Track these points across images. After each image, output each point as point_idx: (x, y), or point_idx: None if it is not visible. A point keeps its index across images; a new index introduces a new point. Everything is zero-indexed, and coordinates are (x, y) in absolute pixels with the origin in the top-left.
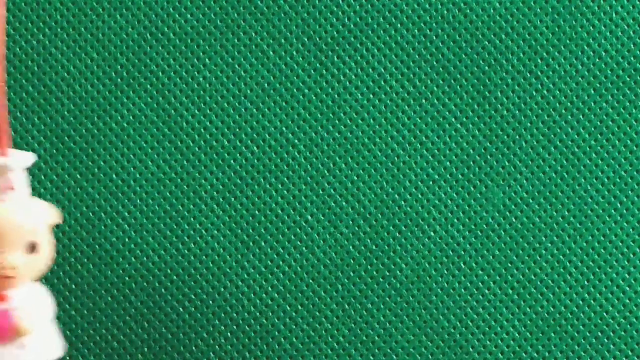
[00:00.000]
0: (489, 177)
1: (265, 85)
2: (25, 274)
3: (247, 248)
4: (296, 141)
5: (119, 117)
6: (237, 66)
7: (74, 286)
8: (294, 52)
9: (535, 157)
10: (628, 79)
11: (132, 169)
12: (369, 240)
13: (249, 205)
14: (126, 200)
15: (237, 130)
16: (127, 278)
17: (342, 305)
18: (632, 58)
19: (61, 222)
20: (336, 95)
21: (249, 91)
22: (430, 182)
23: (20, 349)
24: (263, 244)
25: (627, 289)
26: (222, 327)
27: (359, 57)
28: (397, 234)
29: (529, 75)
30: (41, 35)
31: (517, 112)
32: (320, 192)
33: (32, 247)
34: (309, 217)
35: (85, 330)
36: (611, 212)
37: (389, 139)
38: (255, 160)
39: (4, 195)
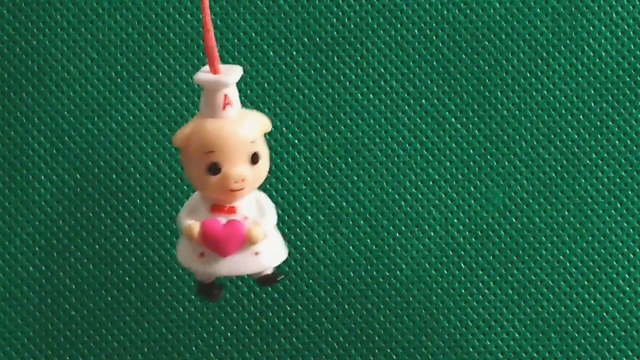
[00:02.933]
0: (489, 177)
1: (265, 85)
2: (251, 184)
3: None
4: (296, 141)
5: (119, 117)
6: None
7: (74, 286)
8: (294, 52)
9: (535, 157)
10: (628, 79)
11: (132, 169)
12: (369, 240)
13: None
14: (126, 200)
15: None
16: (127, 278)
17: (342, 305)
18: (632, 58)
19: (273, 129)
20: (336, 95)
21: (249, 91)
22: (430, 182)
23: (255, 255)
24: None
25: (627, 289)
26: (222, 327)
27: (359, 57)
28: (397, 234)
29: (529, 75)
30: (41, 35)
31: (517, 112)
32: (320, 192)
33: (254, 158)
34: (309, 217)
35: (85, 330)
36: (611, 212)
37: (389, 139)
38: None
39: (223, 112)
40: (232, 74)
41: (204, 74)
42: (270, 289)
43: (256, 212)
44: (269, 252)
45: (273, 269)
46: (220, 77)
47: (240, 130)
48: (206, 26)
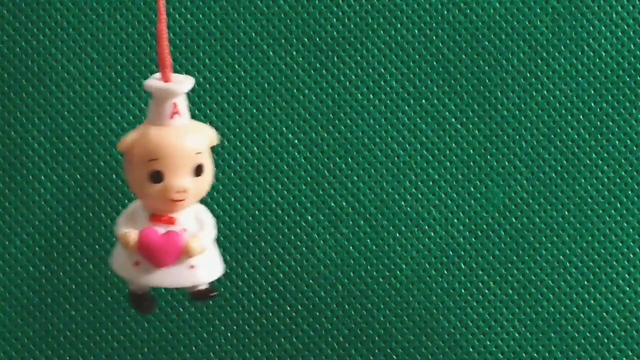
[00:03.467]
0: (489, 177)
1: (265, 85)
2: (192, 196)
3: (247, 248)
4: (296, 141)
5: (119, 117)
6: (237, 66)
7: (74, 286)
8: (294, 52)
9: (535, 157)
10: (628, 79)
11: None
12: (369, 240)
13: (249, 205)
14: (126, 201)
15: (237, 130)
16: None
17: (342, 305)
18: (632, 58)
19: (220, 143)
20: (336, 95)
21: (249, 91)
22: (430, 182)
23: (190, 269)
24: (263, 244)
25: (627, 289)
26: (222, 327)
27: (359, 57)
28: (397, 234)
29: (529, 75)
30: (41, 35)
31: (517, 112)
32: (320, 192)
33: (198, 170)
34: (309, 217)
35: (85, 330)
36: (611, 212)
37: (389, 139)
38: (255, 160)
39: (170, 121)
40: (183, 83)
41: (154, 81)
42: (270, 288)
43: (196, 225)
44: (205, 266)
45: (208, 284)
46: (170, 85)
47: (186, 141)
48: (160, 33)
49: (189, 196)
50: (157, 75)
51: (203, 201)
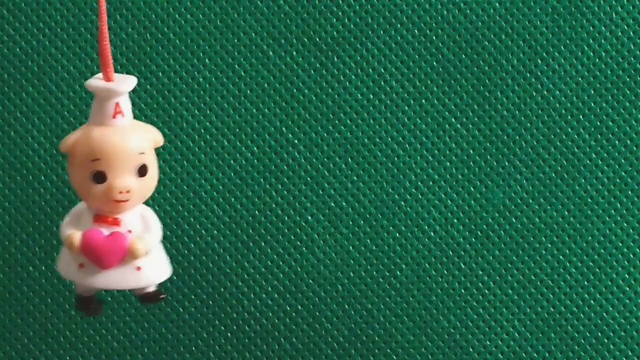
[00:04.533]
0: (489, 177)
1: (265, 85)
2: (136, 197)
3: (247, 248)
4: (296, 141)
5: None
6: (237, 66)
7: (73, 286)
8: (294, 52)
9: (535, 157)
10: (628, 79)
11: None
12: (369, 240)
13: (249, 205)
14: None
15: (237, 130)
16: None
17: (342, 305)
18: (632, 58)
19: (164, 144)
20: (336, 95)
21: (249, 91)
22: (430, 182)
23: (136, 270)
24: (263, 244)
25: (627, 289)
26: (222, 327)
27: (359, 57)
28: (397, 234)
29: (529, 75)
30: (41, 36)
31: (517, 112)
32: (320, 192)
33: (142, 170)
34: (309, 217)
35: (85, 330)
36: (611, 212)
37: (389, 139)
38: (255, 160)
39: (112, 121)
40: (125, 83)
41: (96, 81)
42: (270, 288)
43: (141, 226)
44: (151, 268)
45: (155, 286)
46: (112, 85)
47: (129, 141)
48: (102, 33)
49: (132, 197)
50: (100, 75)
51: (205, 201)
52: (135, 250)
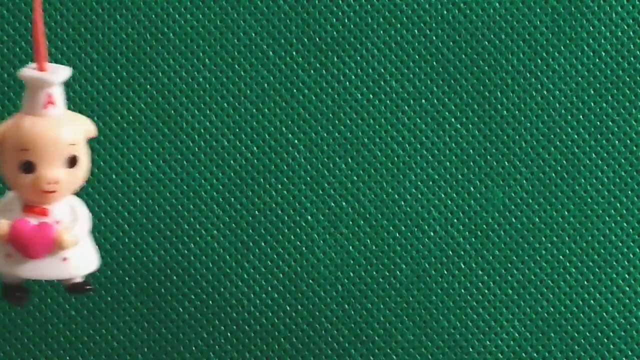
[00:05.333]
0: (489, 177)
1: (265, 85)
2: (65, 188)
3: (247, 248)
4: (296, 141)
5: (119, 117)
6: (237, 66)
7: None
8: (294, 52)
9: (535, 157)
10: (628, 79)
11: (132, 169)
12: (369, 240)
13: (249, 205)
14: (126, 200)
15: (237, 130)
16: (127, 278)
17: (342, 305)
18: (632, 58)
19: (97, 135)
20: (336, 95)
21: (249, 91)
22: (430, 182)
23: (63, 261)
24: (263, 244)
25: (627, 289)
26: (222, 327)
27: (359, 57)
28: (397, 234)
29: (529, 75)
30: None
31: (517, 112)
32: (320, 192)
33: (72, 161)
34: (309, 217)
35: (85, 330)
36: (611, 212)
37: (389, 139)
38: (255, 160)
39: (44, 111)
40: (57, 72)
41: (28, 70)
42: (270, 288)
43: (70, 217)
44: (78, 259)
45: (83, 277)
46: (44, 74)
47: (59, 131)
48: (35, 22)
49: (61, 188)
50: (33, 65)
51: (205, 201)
52: (63, 241)
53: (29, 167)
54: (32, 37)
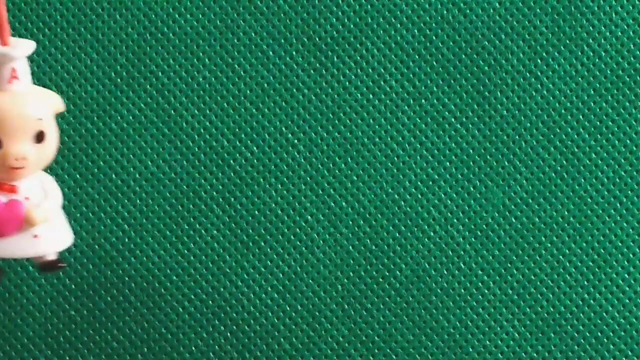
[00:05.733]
0: (489, 177)
1: (265, 85)
2: (33, 164)
3: (247, 248)
4: (296, 141)
5: (119, 117)
6: (237, 66)
7: (73, 286)
8: (294, 52)
9: (535, 157)
10: (628, 79)
11: (132, 169)
12: (368, 240)
13: (249, 205)
14: (126, 200)
15: (237, 130)
16: (127, 278)
17: (342, 305)
18: (632, 58)
19: (65, 110)
20: (336, 95)
21: (249, 91)
22: (430, 182)
23: (33, 239)
24: (263, 244)
25: (627, 289)
26: (222, 327)
27: (359, 57)
28: (397, 234)
29: (529, 75)
30: (41, 35)
31: (517, 112)
32: (320, 192)
33: (40, 137)
34: (309, 217)
35: (85, 330)
36: (611, 212)
37: (389, 139)
38: (255, 160)
39: (8, 86)
40: (21, 47)
41: None
42: (270, 288)
43: (40, 194)
44: (49, 236)
45: (56, 255)
46: (6, 49)
47: (24, 106)
48: None
49: (29, 164)
50: None
51: (205, 201)
52: (32, 218)
53: None
54: None
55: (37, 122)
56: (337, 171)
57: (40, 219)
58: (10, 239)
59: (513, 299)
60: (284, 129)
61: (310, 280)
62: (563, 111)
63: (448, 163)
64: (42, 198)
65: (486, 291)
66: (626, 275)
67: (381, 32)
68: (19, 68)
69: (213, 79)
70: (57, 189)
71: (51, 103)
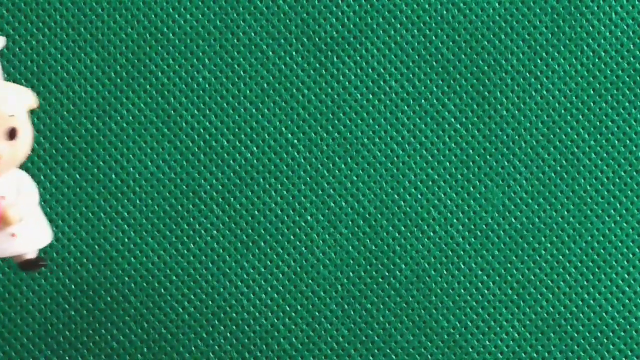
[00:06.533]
0: (488, 177)
1: (265, 85)
2: (6, 161)
3: (247, 248)
4: (296, 141)
5: (119, 117)
6: (237, 66)
7: (73, 286)
8: (294, 52)
9: (535, 157)
10: (628, 79)
11: (132, 169)
12: (368, 240)
13: (249, 205)
14: (126, 200)
15: (237, 130)
16: (127, 278)
17: (342, 305)
18: (632, 58)
19: (37, 106)
20: (336, 95)
21: (248, 91)
22: (430, 182)
23: (11, 238)
24: (263, 244)
25: (627, 289)
26: (222, 327)
27: (358, 57)
28: (397, 234)
29: (528, 75)
30: (41, 35)
31: (517, 112)
32: (320, 192)
33: (12, 133)
34: (309, 217)
35: (85, 330)
36: (611, 212)
37: (389, 139)
38: (255, 160)
39: None
40: None
41: None
42: (270, 288)
43: (16, 192)
44: (27, 235)
45: (36, 253)
46: None
47: None
48: None
49: (2, 161)
50: None
51: (205, 201)
52: (8, 217)
53: None
54: None
55: (10, 118)
56: (337, 171)
57: (17, 218)
58: None
59: (513, 299)
60: (284, 129)
61: (310, 280)
62: (563, 111)
63: (448, 163)
64: (18, 196)
65: (486, 291)
66: (626, 275)
67: (381, 32)
68: None
69: (213, 79)
70: (33, 186)
71: (24, 99)
